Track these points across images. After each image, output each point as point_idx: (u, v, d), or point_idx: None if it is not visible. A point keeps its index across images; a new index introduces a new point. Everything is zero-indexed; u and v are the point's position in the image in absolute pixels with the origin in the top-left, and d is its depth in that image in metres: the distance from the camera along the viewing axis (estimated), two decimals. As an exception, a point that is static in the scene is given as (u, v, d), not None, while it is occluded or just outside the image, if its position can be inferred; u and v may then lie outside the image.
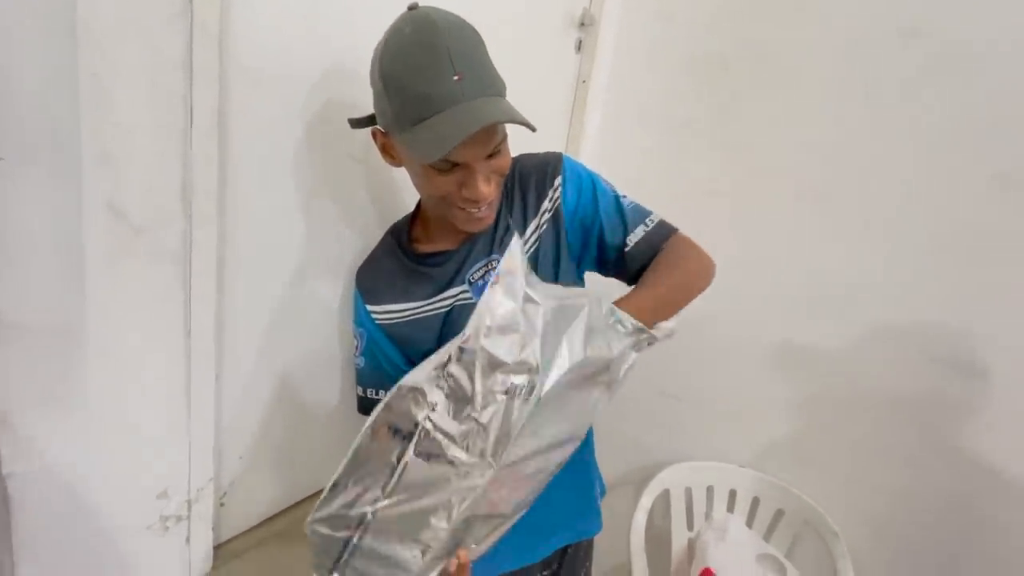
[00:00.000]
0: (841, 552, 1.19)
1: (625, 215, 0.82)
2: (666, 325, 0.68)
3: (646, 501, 1.30)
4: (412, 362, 0.66)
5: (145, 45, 0.59)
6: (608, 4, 1.34)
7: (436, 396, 0.60)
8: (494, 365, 0.58)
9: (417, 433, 0.60)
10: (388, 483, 0.61)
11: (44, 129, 0.54)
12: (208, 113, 0.65)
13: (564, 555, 0.94)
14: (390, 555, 0.61)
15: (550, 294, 0.63)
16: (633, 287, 0.76)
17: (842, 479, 1.25)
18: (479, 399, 0.58)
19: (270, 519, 0.91)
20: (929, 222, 1.11)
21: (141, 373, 0.66)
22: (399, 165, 0.76)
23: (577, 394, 0.63)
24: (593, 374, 0.63)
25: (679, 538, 1.35)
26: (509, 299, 0.60)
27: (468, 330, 0.59)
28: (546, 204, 0.82)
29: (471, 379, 0.59)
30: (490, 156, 0.70)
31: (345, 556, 0.64)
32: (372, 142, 0.76)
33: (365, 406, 0.87)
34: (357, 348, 0.86)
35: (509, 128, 0.70)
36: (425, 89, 0.64)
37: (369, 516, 0.62)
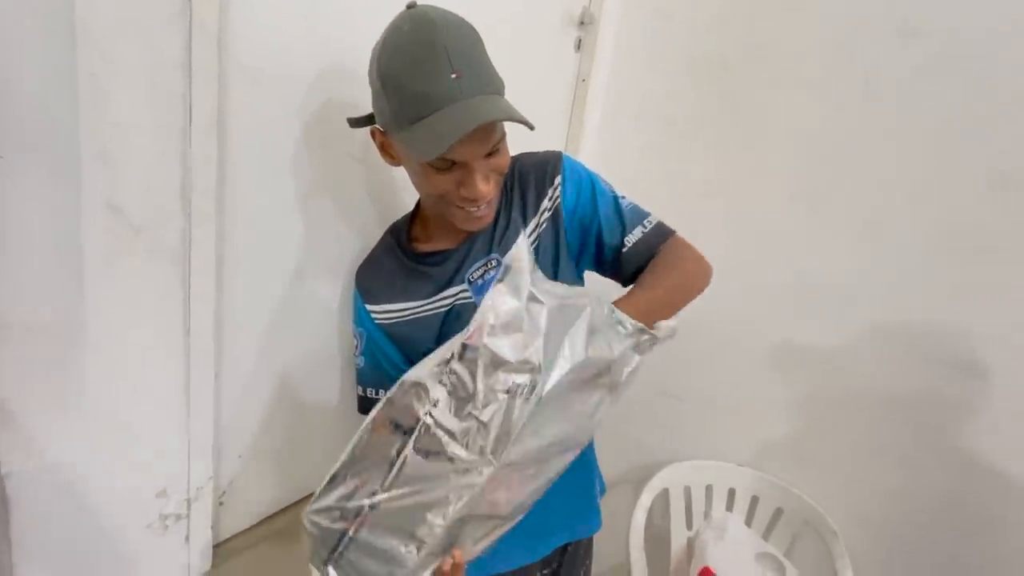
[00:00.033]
0: (840, 551, 1.19)
1: (623, 216, 0.82)
2: (667, 324, 0.68)
3: (645, 500, 1.30)
4: (412, 362, 0.66)
5: (144, 44, 0.59)
6: (608, 3, 1.33)
7: (438, 392, 0.60)
8: (497, 363, 0.58)
9: (418, 428, 0.60)
10: (387, 477, 0.61)
11: (43, 128, 0.54)
12: (207, 112, 0.65)
13: (564, 554, 0.94)
14: (386, 549, 0.61)
15: (552, 293, 0.63)
16: (630, 288, 0.76)
17: (841, 478, 1.25)
18: (481, 397, 0.58)
19: (269, 518, 0.91)
20: (927, 222, 1.11)
21: (140, 372, 0.66)
22: (398, 164, 0.76)
23: (579, 396, 0.63)
24: (594, 376, 0.63)
25: (678, 537, 1.35)
26: (513, 297, 0.60)
27: (472, 327, 0.59)
28: (546, 203, 0.82)
29: (473, 377, 0.59)
30: (489, 155, 0.70)
31: (341, 548, 0.64)
32: (371, 141, 0.76)
33: (365, 406, 0.87)
34: (357, 348, 0.86)
35: (508, 127, 0.70)
36: (423, 87, 0.64)
37: (366, 509, 0.62)
